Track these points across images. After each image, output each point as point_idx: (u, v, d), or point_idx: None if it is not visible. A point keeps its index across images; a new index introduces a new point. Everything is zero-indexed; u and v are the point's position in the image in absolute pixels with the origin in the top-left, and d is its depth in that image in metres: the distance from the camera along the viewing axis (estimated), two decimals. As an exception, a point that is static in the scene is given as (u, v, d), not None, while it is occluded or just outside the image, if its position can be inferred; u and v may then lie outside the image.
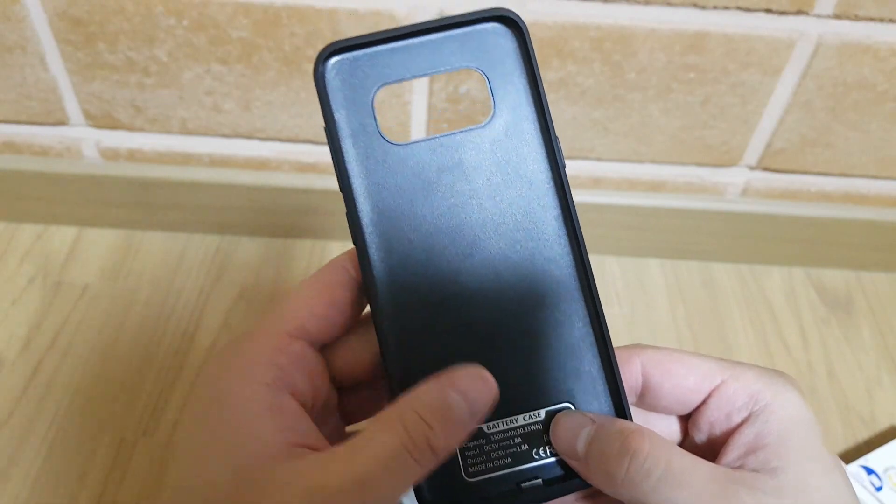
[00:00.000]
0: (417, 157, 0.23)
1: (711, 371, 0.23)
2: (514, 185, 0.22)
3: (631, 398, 0.23)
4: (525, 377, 0.22)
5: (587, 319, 0.23)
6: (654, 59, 0.55)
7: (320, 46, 0.55)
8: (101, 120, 0.62)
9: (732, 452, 0.22)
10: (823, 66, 0.56)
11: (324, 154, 0.64)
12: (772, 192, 0.66)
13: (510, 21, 0.22)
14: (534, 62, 0.23)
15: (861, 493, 0.52)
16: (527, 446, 0.21)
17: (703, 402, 0.23)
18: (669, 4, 0.52)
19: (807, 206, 0.66)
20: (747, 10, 0.52)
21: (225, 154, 0.64)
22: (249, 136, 0.62)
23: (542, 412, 0.22)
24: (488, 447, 0.21)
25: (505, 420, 0.22)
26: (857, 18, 0.53)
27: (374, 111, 0.23)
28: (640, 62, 0.55)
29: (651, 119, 0.60)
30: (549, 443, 0.22)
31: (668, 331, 0.64)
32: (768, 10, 0.52)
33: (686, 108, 0.59)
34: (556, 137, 0.23)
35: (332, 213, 0.67)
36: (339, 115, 0.23)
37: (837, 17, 0.53)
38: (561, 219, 0.23)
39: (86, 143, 0.64)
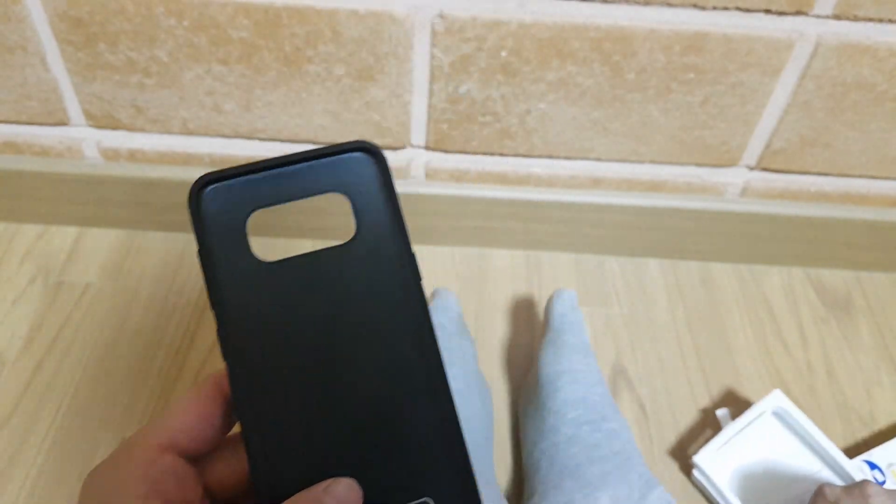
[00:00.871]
0: (285, 275, 0.24)
1: None
2: (375, 300, 0.24)
3: None
4: (388, 478, 0.23)
5: (443, 422, 0.24)
6: (654, 60, 0.55)
7: (321, 47, 0.56)
8: (101, 120, 0.62)
9: None
10: (822, 67, 0.56)
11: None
12: (771, 193, 0.66)
13: (371, 151, 0.25)
14: (393, 186, 0.25)
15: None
16: None
17: None
18: (669, 5, 0.52)
19: (806, 206, 0.67)
20: (746, 10, 0.52)
21: (225, 154, 0.64)
22: (250, 137, 0.63)
23: None
24: None
25: None
26: (856, 19, 0.53)
27: (246, 233, 0.24)
28: (640, 62, 0.56)
29: (650, 119, 0.60)
30: None
31: (668, 330, 0.64)
32: (767, 11, 0.52)
33: (685, 109, 0.59)
34: (413, 254, 0.25)
35: (333, 214, 0.68)
36: (213, 240, 0.24)
37: (837, 17, 0.53)
38: (418, 330, 0.24)
39: (87, 144, 0.64)
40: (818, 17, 0.53)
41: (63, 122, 0.62)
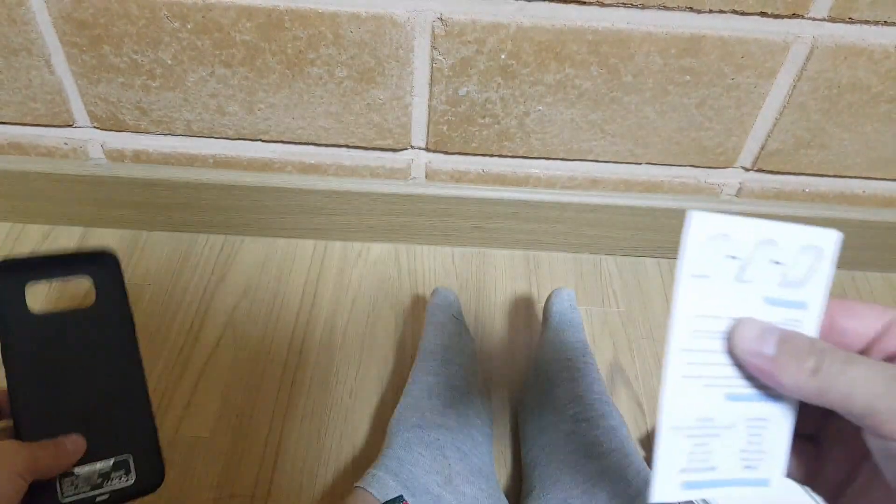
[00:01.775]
0: (48, 323, 0.37)
1: (885, 311, 0.28)
2: (103, 338, 0.38)
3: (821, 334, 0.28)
4: (102, 441, 0.37)
5: (140, 409, 0.39)
6: (651, 62, 0.56)
7: (323, 50, 0.56)
8: (106, 121, 0.62)
9: None
10: (818, 69, 0.56)
11: (326, 155, 0.64)
12: (766, 193, 0.67)
13: (109, 254, 0.39)
14: (122, 275, 0.39)
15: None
16: (100, 479, 0.37)
17: (877, 336, 0.27)
18: (665, 8, 0.53)
19: (801, 206, 0.67)
20: (742, 13, 0.53)
21: (229, 155, 0.65)
22: (253, 138, 0.63)
23: (111, 460, 0.38)
24: (76, 481, 0.37)
25: (87, 464, 0.37)
26: (851, 21, 0.53)
27: (24, 298, 0.37)
28: (637, 65, 0.56)
29: (647, 121, 0.60)
30: (109, 478, 0.38)
31: (665, 329, 0.65)
32: (763, 14, 0.53)
33: (682, 111, 0.59)
34: (134, 323, 0.39)
35: (335, 213, 0.68)
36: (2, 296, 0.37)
37: (832, 19, 0.53)
38: (128, 355, 0.39)
39: (91, 145, 0.65)
40: (814, 19, 0.53)
41: (68, 124, 0.63)
